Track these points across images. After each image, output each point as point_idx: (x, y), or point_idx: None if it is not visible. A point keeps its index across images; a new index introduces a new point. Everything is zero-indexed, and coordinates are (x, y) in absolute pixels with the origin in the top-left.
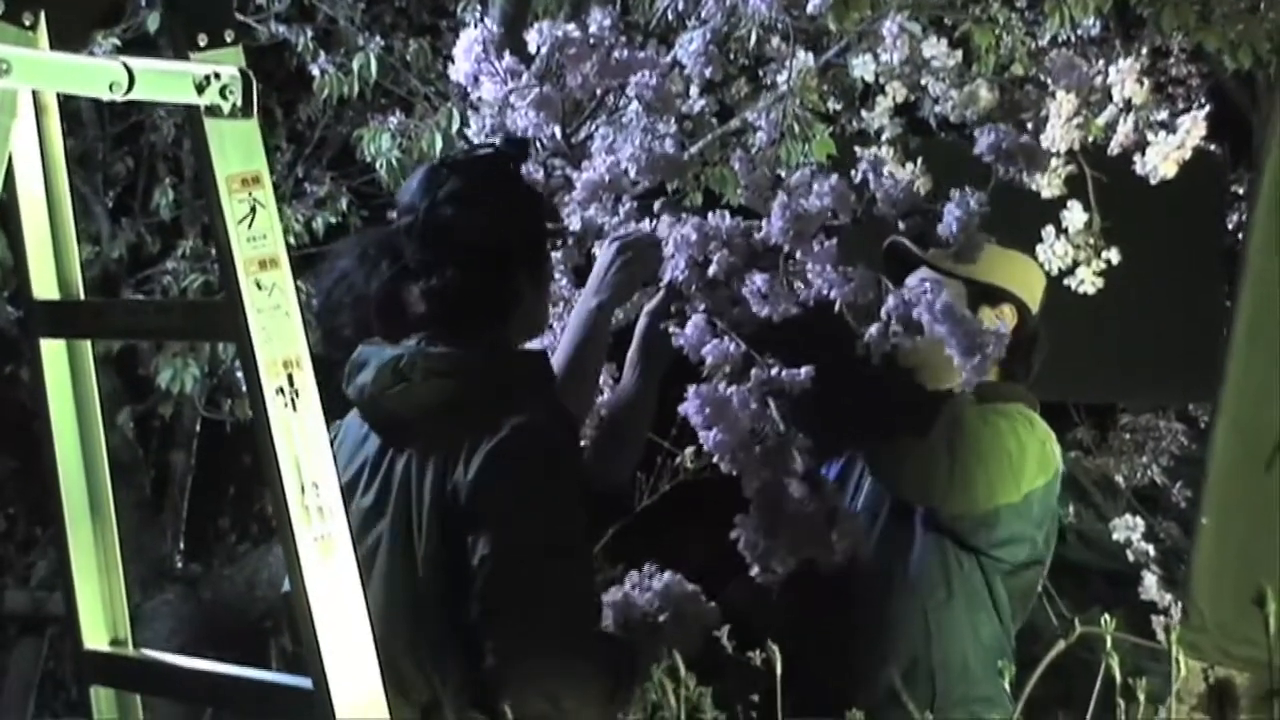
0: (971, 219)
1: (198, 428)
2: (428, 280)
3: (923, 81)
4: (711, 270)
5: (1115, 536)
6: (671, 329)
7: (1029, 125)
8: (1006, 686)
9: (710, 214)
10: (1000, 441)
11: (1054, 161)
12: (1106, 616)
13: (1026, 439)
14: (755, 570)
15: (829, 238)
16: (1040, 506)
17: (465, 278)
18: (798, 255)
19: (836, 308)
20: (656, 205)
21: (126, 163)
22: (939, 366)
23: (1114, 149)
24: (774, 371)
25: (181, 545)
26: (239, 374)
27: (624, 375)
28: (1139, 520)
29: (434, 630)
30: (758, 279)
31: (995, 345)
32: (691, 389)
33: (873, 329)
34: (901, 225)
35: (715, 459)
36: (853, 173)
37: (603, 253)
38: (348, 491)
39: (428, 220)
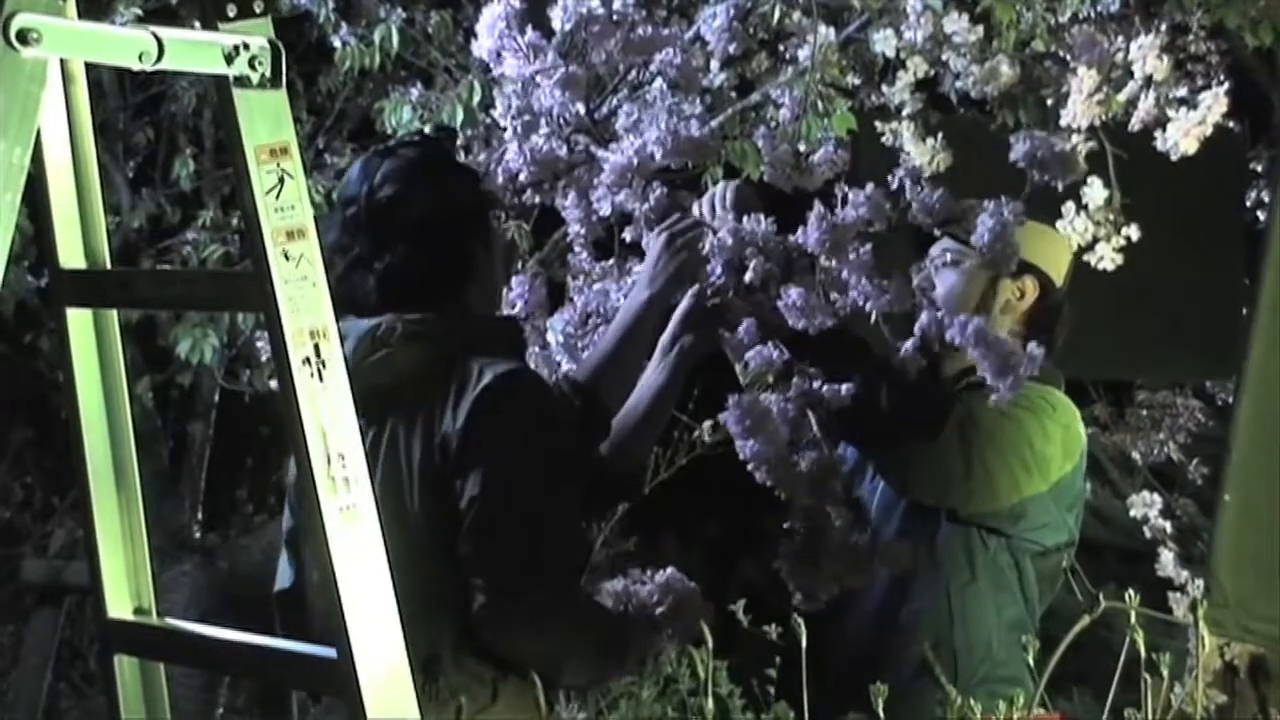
0: (1006, 228)
1: (216, 398)
2: (380, 262)
3: (944, 57)
4: (748, 277)
5: (1132, 513)
6: (723, 332)
7: (1050, 101)
8: (1030, 662)
9: (745, 218)
10: (1023, 434)
11: (1075, 137)
12: (1130, 592)
13: (1051, 427)
14: (798, 599)
15: (864, 245)
16: (1069, 491)
17: (416, 251)
18: (833, 264)
19: (872, 319)
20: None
21: (147, 133)
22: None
23: (1135, 125)
24: (815, 384)
25: (199, 516)
26: (258, 344)
27: (654, 357)
28: (1156, 497)
29: (430, 584)
30: (793, 293)
31: (1027, 366)
32: (732, 399)
33: (908, 344)
34: (938, 233)
35: (751, 468)
36: (890, 180)
37: (652, 245)
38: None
39: (369, 205)
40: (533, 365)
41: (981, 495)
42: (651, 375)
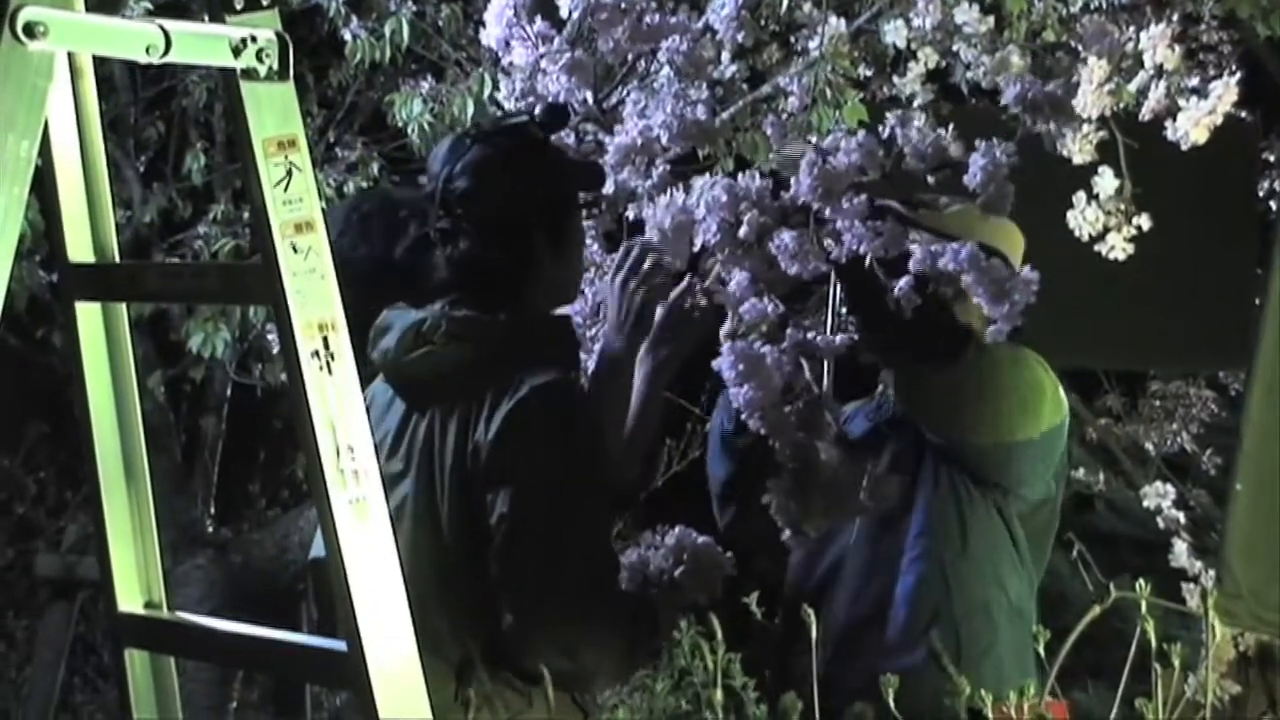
0: (999, 169)
1: (228, 392)
2: (445, 248)
3: (954, 47)
4: (742, 232)
5: (1145, 504)
6: (713, 286)
7: (1060, 91)
8: (1041, 651)
9: (739, 175)
10: (1022, 377)
11: (1085, 127)
12: (1141, 582)
13: (1044, 378)
14: (787, 534)
15: (858, 194)
16: (1054, 447)
17: (478, 247)
18: (827, 213)
19: (866, 263)
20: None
21: (158, 127)
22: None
23: (1145, 115)
24: (809, 335)
25: (212, 510)
26: (270, 338)
27: (635, 367)
28: (1169, 488)
29: (461, 590)
30: (786, 237)
31: (1023, 292)
32: (726, 344)
33: (901, 282)
34: (931, 179)
35: (744, 416)
36: (880, 129)
37: (610, 292)
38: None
39: (445, 190)
40: None
41: (986, 425)
42: (635, 389)
